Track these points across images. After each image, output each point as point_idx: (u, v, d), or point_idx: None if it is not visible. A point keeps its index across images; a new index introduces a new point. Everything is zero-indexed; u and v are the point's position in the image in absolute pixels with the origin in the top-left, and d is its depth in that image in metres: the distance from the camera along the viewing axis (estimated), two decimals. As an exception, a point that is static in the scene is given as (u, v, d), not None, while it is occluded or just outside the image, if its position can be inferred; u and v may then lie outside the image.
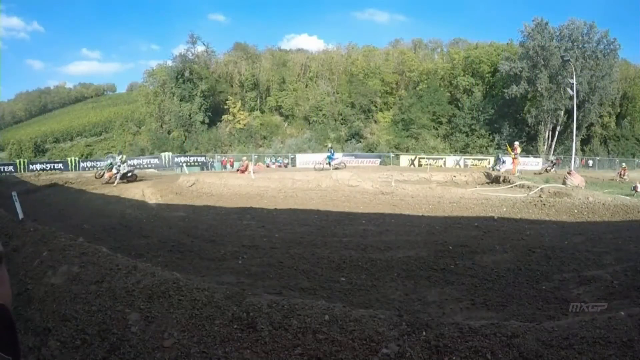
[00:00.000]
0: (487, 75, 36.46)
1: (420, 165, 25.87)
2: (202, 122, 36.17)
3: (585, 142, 34.14)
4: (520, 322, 2.37)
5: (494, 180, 16.00)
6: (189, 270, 4.69)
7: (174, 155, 27.13)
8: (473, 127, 34.42)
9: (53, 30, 73.78)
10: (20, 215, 5.06)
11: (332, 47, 42.37)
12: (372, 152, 31.91)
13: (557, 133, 32.79)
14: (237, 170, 19.05)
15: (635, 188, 12.89)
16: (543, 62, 30.69)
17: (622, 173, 18.39)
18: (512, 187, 12.38)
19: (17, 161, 25.00)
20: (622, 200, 8.87)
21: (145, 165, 25.31)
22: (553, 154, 31.48)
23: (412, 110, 35.26)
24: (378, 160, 28.44)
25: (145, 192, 12.22)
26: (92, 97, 69.04)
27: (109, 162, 16.17)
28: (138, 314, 2.63)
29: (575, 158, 24.02)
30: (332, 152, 21.17)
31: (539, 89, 30.94)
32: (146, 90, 39.81)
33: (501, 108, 34.35)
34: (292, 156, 28.30)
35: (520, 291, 4.15)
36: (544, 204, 8.92)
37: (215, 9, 78.73)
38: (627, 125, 34.65)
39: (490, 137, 33.79)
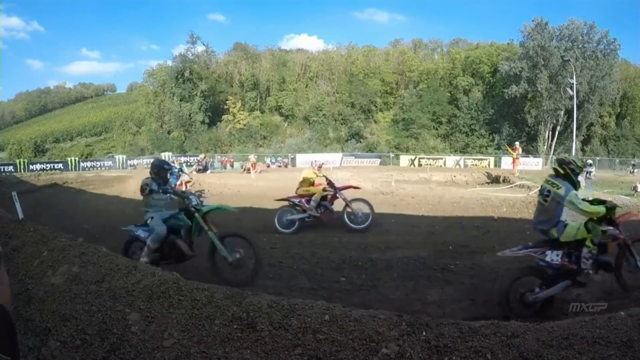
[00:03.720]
0: (487, 75, 36.46)
1: (420, 165, 25.86)
2: (202, 122, 36.18)
3: (585, 142, 34.12)
4: (520, 322, 2.37)
5: (494, 180, 16.01)
6: (189, 270, 4.68)
7: (174, 155, 27.12)
8: (473, 127, 34.42)
9: (53, 30, 73.78)
10: (20, 215, 5.05)
11: (332, 47, 42.46)
12: (372, 152, 31.90)
13: (557, 133, 32.78)
14: (243, 169, 19.09)
15: (635, 188, 12.87)
16: (543, 62, 30.67)
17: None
18: (512, 187, 12.39)
19: (17, 161, 24.98)
20: (622, 200, 8.86)
21: (145, 165, 25.32)
22: (553, 154, 31.50)
23: (412, 110, 35.27)
24: (378, 160, 28.42)
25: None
26: (92, 97, 69.02)
27: None
28: (138, 314, 2.63)
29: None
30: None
31: (539, 89, 30.93)
32: (146, 90, 39.84)
33: (501, 108, 34.35)
34: (292, 156, 28.29)
35: (520, 291, 4.15)
36: (544, 204, 8.90)
37: (215, 9, 78.69)
38: (627, 125, 34.61)
39: (490, 137, 33.79)
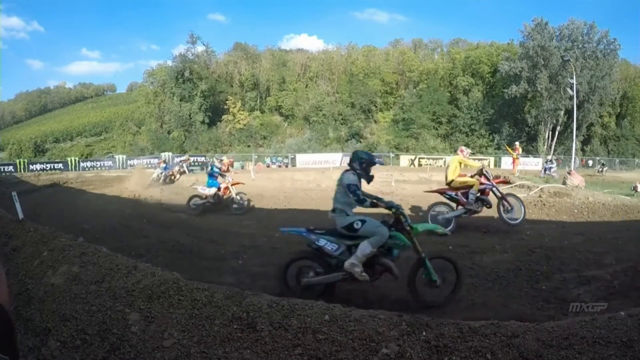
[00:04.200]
0: (487, 75, 36.46)
1: (420, 165, 25.85)
2: (202, 122, 36.18)
3: (585, 142, 34.11)
4: (520, 322, 2.37)
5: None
6: (189, 270, 4.68)
7: (174, 155, 27.14)
8: (473, 127, 34.41)
9: (53, 30, 73.65)
10: (20, 215, 5.05)
11: (332, 47, 42.37)
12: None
13: (557, 133, 32.77)
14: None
15: (635, 188, 12.87)
16: (543, 62, 30.67)
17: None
18: (512, 187, 12.37)
19: (17, 161, 24.97)
20: (622, 200, 8.87)
21: (145, 165, 25.34)
22: (553, 154, 31.50)
23: (412, 110, 35.27)
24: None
25: (145, 192, 12.23)
26: (92, 97, 68.99)
27: None
28: (138, 314, 2.63)
29: (575, 158, 24.04)
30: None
31: (539, 89, 30.92)
32: (146, 90, 39.81)
33: (501, 108, 34.34)
34: (292, 156, 28.29)
35: (520, 291, 4.15)
36: (544, 204, 8.92)
37: (215, 9, 78.59)
38: (627, 125, 34.62)
39: (490, 137, 33.80)
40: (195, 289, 2.87)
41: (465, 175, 6.89)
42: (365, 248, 3.51)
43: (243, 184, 10.54)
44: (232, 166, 19.23)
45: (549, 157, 19.94)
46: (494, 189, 6.75)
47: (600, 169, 22.81)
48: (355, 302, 3.13)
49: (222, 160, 11.89)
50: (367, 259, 3.54)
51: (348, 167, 3.87)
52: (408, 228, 3.68)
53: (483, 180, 6.77)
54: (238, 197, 9.61)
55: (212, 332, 2.40)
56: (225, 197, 9.68)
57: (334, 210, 3.80)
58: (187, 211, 9.36)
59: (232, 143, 35.69)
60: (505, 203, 6.74)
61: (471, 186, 6.58)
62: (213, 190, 9.55)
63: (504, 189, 8.07)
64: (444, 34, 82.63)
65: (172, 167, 15.73)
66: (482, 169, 6.96)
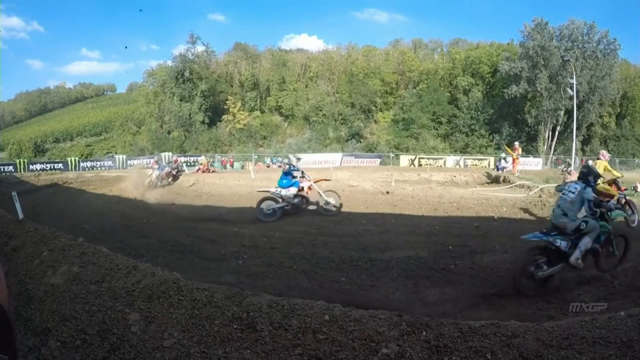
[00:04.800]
0: (487, 75, 36.46)
1: (420, 165, 25.85)
2: (202, 122, 36.18)
3: (585, 142, 34.11)
4: (520, 322, 2.37)
5: (494, 180, 16.00)
6: (189, 270, 4.69)
7: (174, 155, 27.13)
8: (473, 127, 34.41)
9: (53, 30, 73.44)
10: (20, 215, 5.06)
11: (332, 47, 42.35)
12: (372, 152, 31.89)
13: (557, 133, 32.77)
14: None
15: (635, 188, 12.86)
16: (543, 62, 30.66)
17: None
18: (512, 187, 12.38)
19: (17, 161, 24.97)
20: (622, 200, 8.86)
21: (145, 165, 25.33)
22: (553, 154, 31.48)
23: (412, 110, 35.27)
24: (378, 160, 28.41)
25: (145, 193, 12.23)
26: (92, 97, 68.85)
27: None
28: (138, 314, 2.62)
29: (575, 158, 24.00)
30: None
31: (539, 89, 30.92)
32: (146, 90, 39.80)
33: (501, 108, 34.34)
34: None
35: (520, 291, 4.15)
36: (544, 204, 8.93)
37: (215, 9, 78.44)
38: (627, 125, 34.61)
39: (490, 137, 33.80)
40: (195, 289, 2.87)
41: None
42: (587, 243, 4.20)
43: (329, 180, 9.09)
44: (212, 165, 19.39)
45: (503, 155, 20.14)
46: (624, 198, 7.20)
47: (565, 168, 21.82)
48: (355, 302, 3.12)
49: (293, 157, 9.76)
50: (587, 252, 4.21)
51: (582, 181, 4.44)
52: (607, 217, 4.46)
53: (615, 189, 7.21)
54: (326, 197, 8.36)
55: (212, 332, 2.40)
56: (310, 198, 8.43)
57: (564, 215, 4.36)
58: (260, 217, 7.96)
59: (232, 143, 35.69)
60: (628, 208, 7.19)
61: (612, 196, 6.89)
62: (293, 190, 8.19)
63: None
64: (444, 34, 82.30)
65: (164, 168, 15.44)
66: (616, 179, 7.46)
